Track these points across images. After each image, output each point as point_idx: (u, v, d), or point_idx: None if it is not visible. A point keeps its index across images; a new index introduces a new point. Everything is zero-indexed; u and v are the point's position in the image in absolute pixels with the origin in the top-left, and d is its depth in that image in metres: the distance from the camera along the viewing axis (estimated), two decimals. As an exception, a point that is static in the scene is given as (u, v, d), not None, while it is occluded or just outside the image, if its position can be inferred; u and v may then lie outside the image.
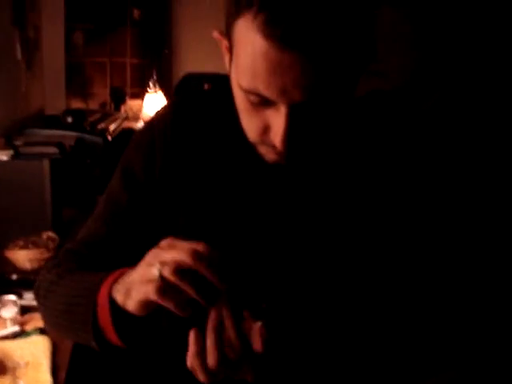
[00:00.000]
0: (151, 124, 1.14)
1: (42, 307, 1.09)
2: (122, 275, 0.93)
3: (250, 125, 0.95)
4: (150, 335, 0.97)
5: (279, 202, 1.06)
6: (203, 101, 1.14)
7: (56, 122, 3.23)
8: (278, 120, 0.88)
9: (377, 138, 1.08)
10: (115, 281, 0.92)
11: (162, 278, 0.82)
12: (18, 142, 2.46)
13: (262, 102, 0.89)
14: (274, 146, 0.93)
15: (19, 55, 3.21)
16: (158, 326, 0.96)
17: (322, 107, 0.88)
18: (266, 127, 0.92)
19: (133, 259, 1.05)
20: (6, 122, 2.91)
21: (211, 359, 0.84)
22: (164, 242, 0.87)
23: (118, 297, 0.90)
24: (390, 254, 1.05)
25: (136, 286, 0.86)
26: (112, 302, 0.91)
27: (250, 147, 1.00)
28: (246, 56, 0.85)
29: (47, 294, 1.06)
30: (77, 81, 4.36)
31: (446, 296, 1.08)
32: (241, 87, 0.90)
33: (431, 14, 3.69)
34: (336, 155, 1.05)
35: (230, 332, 0.85)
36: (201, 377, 0.85)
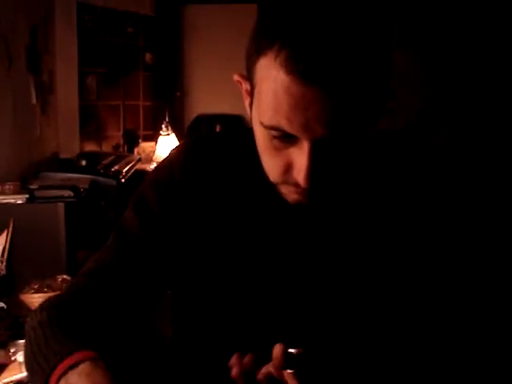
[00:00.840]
0: (168, 162, 1.14)
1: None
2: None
3: (271, 164, 0.96)
4: None
5: (302, 242, 1.06)
6: (216, 142, 1.15)
7: (70, 165, 3.28)
8: (300, 157, 0.89)
9: (388, 176, 1.09)
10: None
11: None
12: (33, 186, 2.49)
13: (284, 139, 0.90)
14: (296, 185, 0.93)
15: (34, 100, 3.26)
16: None
17: (344, 143, 0.90)
18: (289, 166, 0.93)
19: (136, 290, 1.06)
20: (21, 165, 2.95)
21: None
22: None
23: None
24: (407, 291, 1.06)
25: None
26: None
27: (269, 188, 1.01)
28: (269, 92, 0.87)
29: (27, 337, 1.02)
30: (90, 124, 4.41)
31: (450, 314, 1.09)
32: (263, 124, 0.91)
33: (440, 54, 3.73)
34: (353, 194, 1.06)
35: None
36: None
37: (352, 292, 1.04)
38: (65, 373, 0.89)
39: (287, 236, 1.06)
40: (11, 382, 1.52)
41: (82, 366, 0.89)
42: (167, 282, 1.12)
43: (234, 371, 0.90)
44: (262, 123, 0.91)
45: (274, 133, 0.90)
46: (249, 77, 0.94)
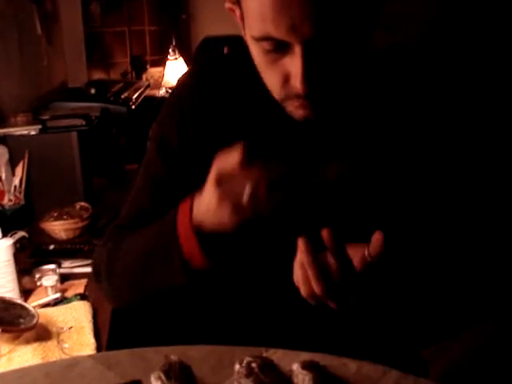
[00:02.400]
0: (177, 93, 1.15)
1: (107, 280, 1.13)
2: (192, 205, 0.97)
3: (271, 79, 0.97)
4: (235, 254, 1.01)
5: (311, 156, 1.08)
6: (224, 65, 1.16)
7: (80, 94, 3.28)
8: (294, 63, 0.91)
9: (393, 89, 1.10)
10: (190, 209, 0.97)
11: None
12: (44, 116, 2.50)
13: (276, 49, 0.91)
14: (297, 96, 0.95)
15: (39, 30, 3.23)
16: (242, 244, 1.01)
17: (335, 46, 0.90)
18: (286, 77, 0.94)
19: None
20: (31, 97, 2.96)
21: (317, 287, 0.88)
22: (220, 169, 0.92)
23: (200, 218, 0.95)
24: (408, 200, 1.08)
25: (224, 209, 0.90)
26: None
27: (277, 106, 1.02)
28: (253, 3, 0.89)
29: (109, 266, 1.10)
30: (97, 51, 4.38)
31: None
32: (253, 38, 0.92)
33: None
34: (354, 105, 1.07)
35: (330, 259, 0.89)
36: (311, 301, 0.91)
37: (356, 204, 1.07)
38: (191, 207, 0.97)
39: (297, 151, 1.07)
40: (38, 305, 1.58)
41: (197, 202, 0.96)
42: None
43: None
44: (252, 37, 0.93)
45: (265, 45, 0.91)
46: (238, 1, 0.95)
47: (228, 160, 0.89)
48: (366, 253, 0.90)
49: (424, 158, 1.09)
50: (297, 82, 0.91)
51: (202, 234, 0.96)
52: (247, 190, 0.87)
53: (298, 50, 0.89)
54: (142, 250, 1.05)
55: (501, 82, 3.29)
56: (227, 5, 1.01)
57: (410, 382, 0.92)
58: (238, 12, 0.98)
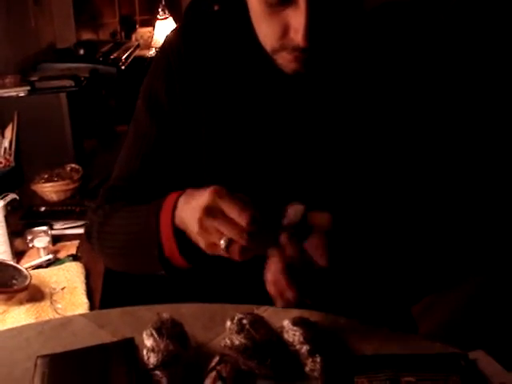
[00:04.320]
0: (164, 49, 1.15)
1: (98, 246, 1.14)
2: (177, 205, 0.96)
3: (268, 31, 0.97)
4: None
5: (300, 110, 1.08)
6: (213, 21, 1.15)
7: (68, 54, 3.24)
8: (297, 16, 0.90)
9: (384, 46, 1.09)
10: (173, 209, 0.96)
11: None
12: (33, 78, 2.47)
13: (280, 1, 0.91)
14: (294, 49, 0.94)
15: (26, -10, 3.18)
16: None
17: (337, 2, 0.91)
18: (286, 29, 0.94)
19: (172, 182, 1.10)
20: (19, 58, 2.92)
21: (291, 294, 0.88)
22: (212, 203, 0.88)
23: (181, 224, 0.94)
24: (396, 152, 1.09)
25: (203, 244, 0.89)
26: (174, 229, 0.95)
27: (266, 60, 1.02)
28: None
29: (100, 234, 1.11)
30: (85, 12, 4.31)
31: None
32: None
33: None
34: (350, 59, 1.07)
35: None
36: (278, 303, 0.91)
37: (347, 154, 1.07)
38: (174, 208, 0.96)
39: (286, 105, 1.08)
40: (31, 266, 1.59)
41: (182, 197, 0.95)
42: (185, 176, 1.16)
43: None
44: None
45: None
46: None
47: (234, 204, 0.87)
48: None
49: (413, 114, 1.09)
50: (298, 35, 0.91)
51: (182, 233, 0.95)
52: (223, 242, 0.86)
53: (302, 3, 0.89)
54: (127, 236, 1.06)
55: (496, 39, 3.27)
56: None
57: (398, 338, 0.94)
58: None
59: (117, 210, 1.10)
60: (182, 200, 0.95)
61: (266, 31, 0.98)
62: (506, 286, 2.07)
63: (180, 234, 0.95)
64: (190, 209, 0.91)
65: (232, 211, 0.85)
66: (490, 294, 1.97)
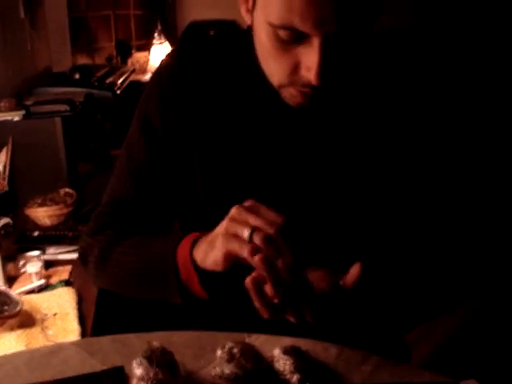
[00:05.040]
0: (159, 73, 1.14)
1: (97, 271, 1.13)
2: (198, 237, 0.97)
3: (278, 66, 0.96)
4: (231, 285, 0.99)
5: (302, 144, 1.08)
6: (209, 45, 1.14)
7: (64, 79, 3.25)
8: (311, 55, 0.90)
9: (389, 76, 1.10)
10: (194, 241, 0.96)
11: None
12: (28, 102, 2.48)
13: (293, 39, 0.91)
14: (303, 85, 0.95)
15: (22, 14, 3.20)
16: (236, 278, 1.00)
17: (350, 40, 0.91)
18: (296, 66, 0.94)
19: (164, 208, 1.10)
20: (15, 81, 2.93)
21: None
22: (250, 203, 0.90)
23: (198, 254, 0.94)
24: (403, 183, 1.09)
25: (222, 239, 0.89)
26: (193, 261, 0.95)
27: (267, 90, 1.02)
28: None
29: (103, 262, 1.10)
30: (81, 36, 4.34)
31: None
32: (272, 24, 0.91)
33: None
34: (355, 92, 1.07)
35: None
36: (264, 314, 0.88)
37: (349, 187, 1.07)
38: (193, 244, 0.96)
39: (287, 137, 1.07)
40: (22, 292, 1.58)
41: (203, 237, 0.96)
42: (178, 202, 1.16)
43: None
44: (270, 23, 0.91)
45: (283, 33, 0.90)
46: None
47: (268, 212, 0.88)
48: (341, 282, 0.90)
49: (416, 149, 1.10)
50: (311, 74, 0.91)
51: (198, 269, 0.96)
52: (247, 231, 0.87)
53: (316, 42, 0.89)
54: (139, 263, 1.05)
55: (496, 72, 3.31)
56: None
57: (389, 367, 0.93)
58: None
59: (121, 237, 1.09)
60: (203, 236, 0.96)
61: (274, 66, 0.97)
62: (500, 313, 2.07)
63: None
64: (215, 229, 0.93)
65: (268, 211, 0.88)
66: (484, 320, 1.96)
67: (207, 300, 0.99)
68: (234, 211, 0.90)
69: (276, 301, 0.86)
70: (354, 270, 0.89)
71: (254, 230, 0.86)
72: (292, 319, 0.89)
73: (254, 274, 0.86)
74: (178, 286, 0.98)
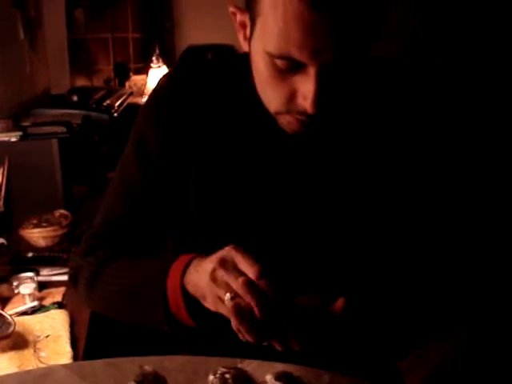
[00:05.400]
0: (155, 93, 1.15)
1: (87, 293, 1.13)
2: (189, 263, 0.97)
3: (274, 94, 0.98)
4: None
5: (298, 171, 1.08)
6: (206, 68, 1.15)
7: (62, 101, 3.26)
8: (307, 84, 0.92)
9: (384, 103, 1.11)
10: (184, 268, 0.97)
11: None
12: (25, 123, 2.49)
13: (290, 68, 0.92)
14: (299, 113, 0.96)
15: (22, 35, 3.22)
16: None
17: (345, 68, 0.93)
18: (293, 94, 0.95)
19: (157, 229, 1.11)
20: (13, 103, 2.94)
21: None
22: (228, 252, 0.90)
23: (189, 286, 0.95)
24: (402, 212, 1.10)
25: (210, 299, 0.92)
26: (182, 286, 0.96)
27: (263, 115, 1.03)
28: (278, 21, 0.88)
29: (93, 283, 1.10)
30: (80, 58, 4.36)
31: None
32: (269, 54, 0.92)
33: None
34: (350, 119, 1.08)
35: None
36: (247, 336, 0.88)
37: (342, 213, 1.08)
38: (184, 271, 0.97)
39: (283, 163, 1.08)
40: (15, 313, 1.58)
41: (196, 259, 0.97)
42: (172, 222, 1.16)
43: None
44: (268, 53, 0.92)
45: (280, 63, 0.92)
46: (249, 7, 0.95)
47: (247, 258, 0.88)
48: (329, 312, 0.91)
49: (411, 177, 1.10)
50: (307, 102, 0.92)
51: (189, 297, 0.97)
52: (228, 295, 0.88)
53: (312, 71, 0.90)
54: (128, 286, 1.06)
55: (485, 89, 3.34)
56: (231, 9, 1.01)
57: (381, 394, 0.93)
58: (241, 18, 0.99)
59: (112, 259, 1.09)
60: (195, 261, 0.97)
61: (271, 94, 0.98)
62: (493, 341, 2.07)
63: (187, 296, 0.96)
64: (206, 263, 0.93)
65: (243, 262, 0.87)
66: (476, 348, 1.96)
67: (194, 328, 0.99)
68: (213, 265, 0.91)
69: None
70: (339, 303, 0.90)
71: (234, 295, 0.87)
72: (278, 347, 0.89)
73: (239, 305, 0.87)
74: (165, 313, 0.98)
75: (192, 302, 0.96)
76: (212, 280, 0.90)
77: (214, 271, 0.90)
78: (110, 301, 1.10)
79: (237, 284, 0.86)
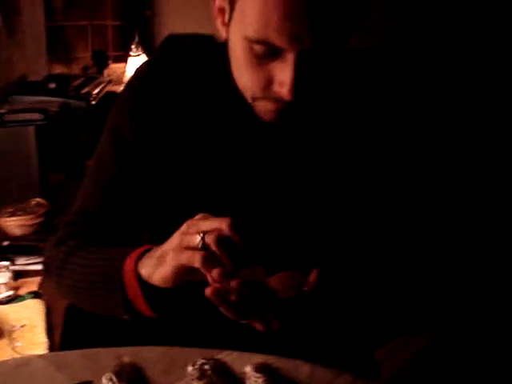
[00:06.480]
0: (132, 82, 1.14)
1: (58, 284, 1.12)
2: (145, 251, 0.96)
3: (252, 79, 0.97)
4: (178, 303, 1.00)
5: (274, 158, 1.08)
6: (185, 56, 1.14)
7: (39, 88, 3.22)
8: (285, 70, 0.91)
9: (359, 94, 1.11)
10: (139, 256, 0.96)
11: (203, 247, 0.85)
12: (2, 110, 2.45)
13: (268, 53, 0.91)
14: (276, 100, 0.95)
15: (0, 21, 3.17)
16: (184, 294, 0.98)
17: (323, 56, 0.92)
18: (270, 80, 0.94)
19: (133, 220, 1.09)
20: (-11, 89, 2.90)
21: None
22: (198, 216, 0.90)
23: (144, 269, 0.93)
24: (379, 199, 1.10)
25: (173, 253, 0.88)
26: (138, 276, 0.94)
27: (241, 103, 1.02)
28: (256, 6, 0.87)
29: (61, 271, 1.09)
30: (58, 45, 4.31)
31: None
32: (247, 38, 0.91)
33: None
34: (326, 109, 1.08)
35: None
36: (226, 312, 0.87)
37: (318, 201, 1.07)
38: (138, 259, 0.95)
39: (260, 151, 1.08)
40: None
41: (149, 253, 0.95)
42: (148, 213, 1.15)
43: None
44: (246, 37, 0.91)
45: (258, 48, 0.91)
46: None
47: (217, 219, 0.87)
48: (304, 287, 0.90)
49: (390, 158, 1.10)
50: (284, 89, 0.92)
51: (145, 284, 0.95)
52: (199, 237, 0.86)
53: (291, 57, 0.89)
54: (88, 274, 1.04)
55: (474, 83, 3.36)
56: None
57: (360, 386, 0.93)
58: (219, 4, 0.97)
59: (79, 248, 1.08)
60: (155, 248, 0.95)
61: (248, 80, 0.98)
62: (470, 333, 2.09)
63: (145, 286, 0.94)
64: (164, 245, 0.92)
65: (213, 218, 0.87)
66: (454, 340, 1.97)
67: (154, 319, 0.98)
68: (183, 226, 0.90)
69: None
70: (313, 275, 0.89)
71: (204, 234, 0.86)
72: (259, 326, 0.89)
73: (213, 285, 0.85)
74: (123, 302, 0.97)
75: (151, 291, 0.95)
76: (181, 234, 0.89)
77: (182, 230, 0.89)
78: (74, 290, 1.09)
79: (210, 223, 0.86)
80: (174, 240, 0.90)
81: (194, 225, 0.88)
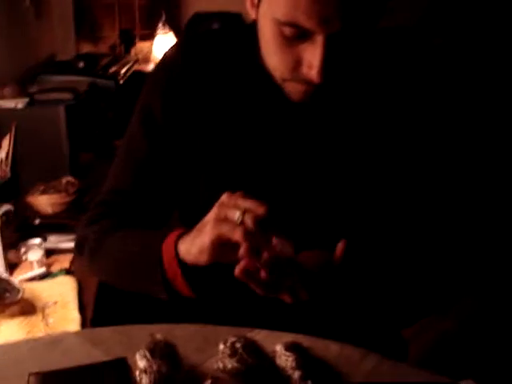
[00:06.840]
0: (162, 65, 1.15)
1: (90, 261, 1.14)
2: (185, 232, 0.97)
3: (281, 61, 0.97)
4: (216, 283, 1.01)
5: (304, 138, 1.08)
6: (213, 39, 1.15)
7: (68, 67, 3.24)
8: (314, 52, 0.91)
9: (389, 73, 1.10)
10: (178, 237, 0.97)
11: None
12: (32, 90, 2.48)
13: (297, 35, 0.91)
14: (305, 81, 0.95)
15: (27, 2, 3.19)
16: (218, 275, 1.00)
17: (353, 38, 0.92)
18: (299, 62, 0.94)
19: (163, 199, 1.11)
20: (19, 69, 2.92)
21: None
22: (238, 193, 0.91)
23: (183, 245, 0.95)
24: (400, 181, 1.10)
25: (212, 223, 0.90)
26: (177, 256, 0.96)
27: (270, 84, 1.02)
28: None
29: (96, 251, 1.11)
30: (85, 24, 4.32)
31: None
32: (277, 21, 0.91)
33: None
34: (356, 89, 1.08)
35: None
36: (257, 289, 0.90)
37: (346, 181, 1.08)
38: (177, 239, 0.97)
39: (290, 131, 1.08)
40: (24, 279, 1.59)
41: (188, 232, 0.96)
42: (178, 193, 1.16)
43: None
44: (275, 20, 0.92)
45: (287, 30, 0.91)
46: None
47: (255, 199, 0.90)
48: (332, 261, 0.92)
49: (414, 146, 1.10)
50: (313, 71, 0.92)
51: (184, 265, 0.97)
52: (238, 213, 0.88)
53: (320, 40, 0.89)
54: (127, 253, 1.06)
55: (497, 72, 3.31)
56: None
57: (388, 366, 0.94)
58: None
59: (114, 228, 1.10)
60: (192, 229, 0.96)
61: (277, 61, 0.98)
62: (497, 313, 2.08)
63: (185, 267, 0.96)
64: (205, 218, 0.93)
65: (252, 198, 0.89)
66: (482, 320, 1.97)
67: (193, 299, 1.00)
68: (223, 197, 0.92)
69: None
70: (340, 248, 0.92)
71: (244, 212, 0.87)
72: (287, 298, 0.90)
73: (242, 264, 0.87)
74: (163, 281, 0.99)
75: (190, 273, 0.97)
76: (220, 205, 0.91)
77: (219, 205, 0.91)
78: (111, 270, 1.11)
79: (249, 202, 0.88)
80: (214, 210, 0.92)
81: (233, 198, 0.90)
